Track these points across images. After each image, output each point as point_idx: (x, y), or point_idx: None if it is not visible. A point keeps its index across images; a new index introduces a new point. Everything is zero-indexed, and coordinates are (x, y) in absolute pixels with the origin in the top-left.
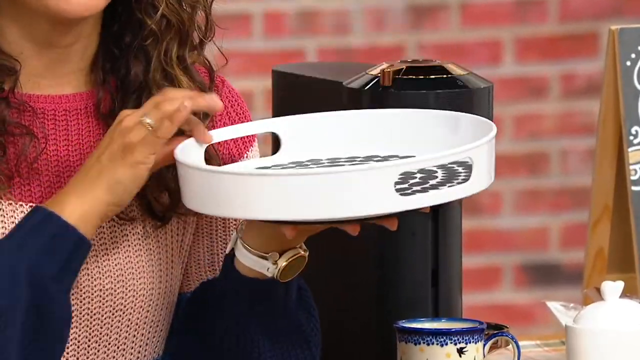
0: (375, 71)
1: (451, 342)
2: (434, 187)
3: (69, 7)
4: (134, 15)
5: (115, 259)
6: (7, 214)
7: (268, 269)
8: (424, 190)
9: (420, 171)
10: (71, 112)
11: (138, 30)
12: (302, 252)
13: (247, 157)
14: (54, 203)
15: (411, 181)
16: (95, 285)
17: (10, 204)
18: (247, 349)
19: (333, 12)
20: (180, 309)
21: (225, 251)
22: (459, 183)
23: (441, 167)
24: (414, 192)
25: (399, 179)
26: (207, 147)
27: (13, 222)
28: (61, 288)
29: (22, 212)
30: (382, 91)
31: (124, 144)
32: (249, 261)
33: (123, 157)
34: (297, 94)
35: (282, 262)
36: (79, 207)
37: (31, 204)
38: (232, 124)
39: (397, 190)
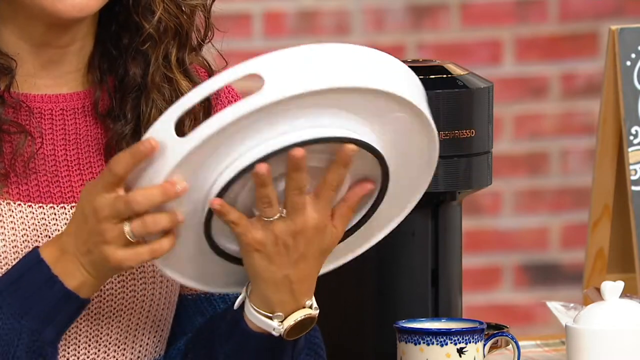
0: None
1: (451, 342)
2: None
3: (63, 8)
4: (131, 17)
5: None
6: (5, 214)
7: (274, 328)
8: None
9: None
10: (68, 111)
11: (135, 32)
12: (312, 312)
13: None
14: (57, 260)
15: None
16: None
17: (8, 203)
18: None
19: (333, 12)
20: (181, 312)
21: None
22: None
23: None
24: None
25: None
26: None
27: (11, 222)
28: (55, 348)
29: (19, 211)
30: None
31: (107, 259)
32: (256, 320)
33: (107, 267)
34: None
35: (290, 322)
36: (81, 274)
37: (29, 203)
38: None
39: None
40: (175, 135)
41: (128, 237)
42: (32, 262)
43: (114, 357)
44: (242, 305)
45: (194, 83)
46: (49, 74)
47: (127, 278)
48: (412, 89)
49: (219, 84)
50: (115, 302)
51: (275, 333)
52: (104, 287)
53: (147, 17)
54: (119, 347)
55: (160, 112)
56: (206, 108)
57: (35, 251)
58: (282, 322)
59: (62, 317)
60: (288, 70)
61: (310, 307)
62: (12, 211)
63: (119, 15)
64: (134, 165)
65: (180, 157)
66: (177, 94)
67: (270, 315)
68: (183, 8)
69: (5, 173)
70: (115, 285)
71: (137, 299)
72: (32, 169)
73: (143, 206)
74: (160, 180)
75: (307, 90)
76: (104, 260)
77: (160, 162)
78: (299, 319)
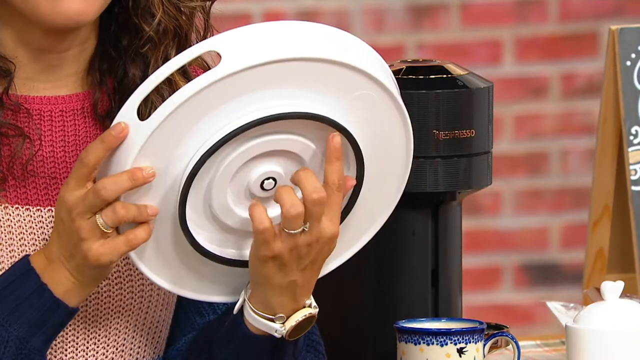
0: None
1: (451, 342)
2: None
3: (60, 17)
4: (130, 18)
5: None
6: (2, 218)
7: (276, 330)
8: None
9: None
10: (68, 113)
11: (135, 34)
12: (312, 311)
13: None
14: (45, 268)
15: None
16: None
17: (6, 207)
18: None
19: (333, 12)
20: (180, 312)
21: None
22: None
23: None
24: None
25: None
26: None
27: (8, 226)
28: (43, 356)
29: (17, 214)
30: None
31: (86, 256)
32: (257, 323)
33: (89, 266)
34: None
35: (291, 323)
36: (68, 281)
37: (27, 206)
38: None
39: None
40: (138, 120)
41: (102, 228)
42: (22, 270)
43: (112, 358)
44: (240, 309)
45: None
46: (48, 78)
47: (124, 280)
48: (376, 67)
49: (178, 64)
50: (112, 304)
51: (277, 335)
52: (101, 288)
53: (147, 20)
54: (117, 349)
55: None
56: None
57: (25, 259)
58: (284, 323)
59: (51, 325)
60: (245, 44)
61: (310, 306)
62: (10, 215)
63: (119, 16)
64: (105, 152)
65: (144, 140)
66: None
67: (272, 317)
68: (182, 9)
69: (3, 177)
70: (113, 287)
71: (135, 300)
72: (31, 171)
73: (112, 193)
74: (127, 166)
75: (262, 61)
76: (85, 260)
77: (125, 148)
78: (301, 319)
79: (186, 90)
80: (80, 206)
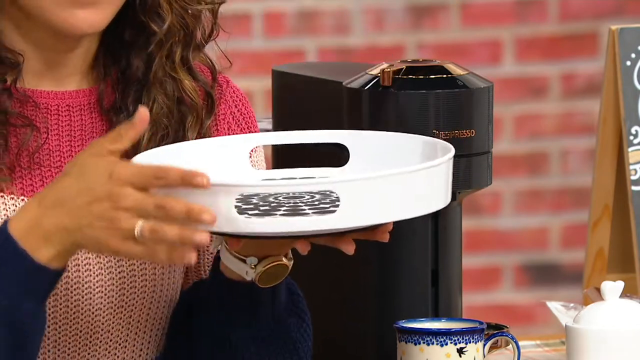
0: (375, 71)
1: (451, 342)
2: (291, 213)
3: (75, 24)
4: (137, 16)
5: (117, 256)
6: (9, 208)
7: (247, 272)
8: (273, 214)
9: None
10: (74, 108)
11: (141, 30)
12: (285, 261)
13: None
14: (26, 235)
15: (268, 204)
16: (96, 282)
17: (12, 198)
18: (232, 353)
19: (333, 12)
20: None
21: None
22: (323, 213)
23: (308, 193)
24: (262, 215)
25: (239, 201)
26: None
27: None
28: (38, 319)
29: None
30: (381, 91)
31: (108, 245)
32: (230, 263)
33: (97, 250)
34: (297, 94)
35: (260, 268)
36: (52, 249)
37: None
38: (236, 123)
39: (239, 211)
40: (236, 213)
41: (135, 233)
42: (3, 240)
43: (115, 354)
44: (219, 259)
45: (197, 81)
46: (54, 75)
47: (126, 275)
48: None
49: (296, 189)
50: (114, 300)
51: (247, 277)
52: (105, 283)
53: (155, 20)
54: (119, 345)
55: (161, 108)
56: (209, 106)
57: (3, 226)
58: (255, 266)
59: (38, 291)
60: (363, 198)
61: (285, 256)
62: (17, 206)
63: (122, 12)
64: (178, 185)
65: (236, 233)
66: (180, 90)
67: (244, 257)
68: (190, 10)
69: (11, 166)
70: (116, 282)
71: (137, 297)
72: (37, 162)
73: (173, 219)
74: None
75: (378, 222)
76: (99, 244)
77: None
78: (272, 264)
79: (304, 225)
80: (130, 203)
